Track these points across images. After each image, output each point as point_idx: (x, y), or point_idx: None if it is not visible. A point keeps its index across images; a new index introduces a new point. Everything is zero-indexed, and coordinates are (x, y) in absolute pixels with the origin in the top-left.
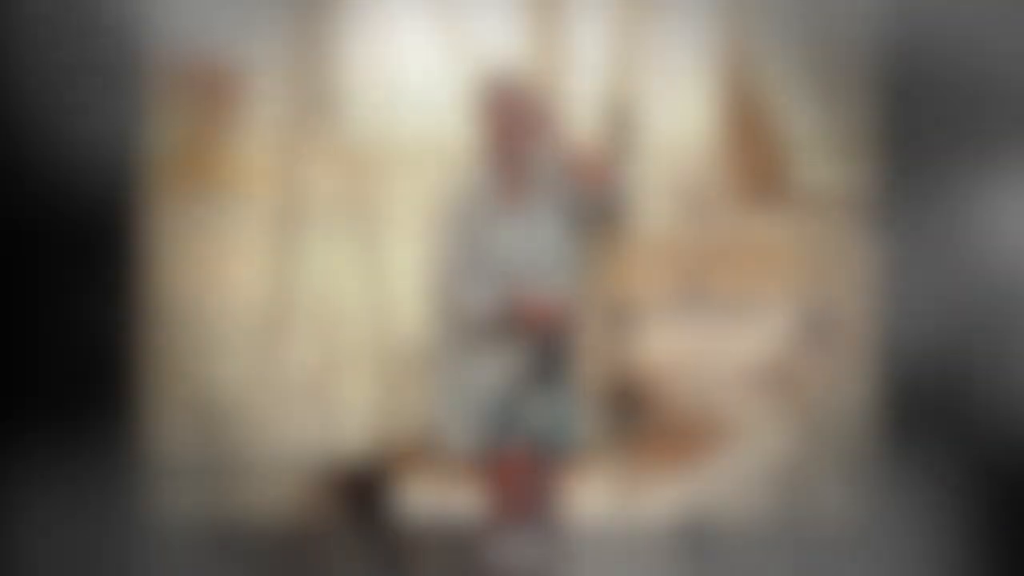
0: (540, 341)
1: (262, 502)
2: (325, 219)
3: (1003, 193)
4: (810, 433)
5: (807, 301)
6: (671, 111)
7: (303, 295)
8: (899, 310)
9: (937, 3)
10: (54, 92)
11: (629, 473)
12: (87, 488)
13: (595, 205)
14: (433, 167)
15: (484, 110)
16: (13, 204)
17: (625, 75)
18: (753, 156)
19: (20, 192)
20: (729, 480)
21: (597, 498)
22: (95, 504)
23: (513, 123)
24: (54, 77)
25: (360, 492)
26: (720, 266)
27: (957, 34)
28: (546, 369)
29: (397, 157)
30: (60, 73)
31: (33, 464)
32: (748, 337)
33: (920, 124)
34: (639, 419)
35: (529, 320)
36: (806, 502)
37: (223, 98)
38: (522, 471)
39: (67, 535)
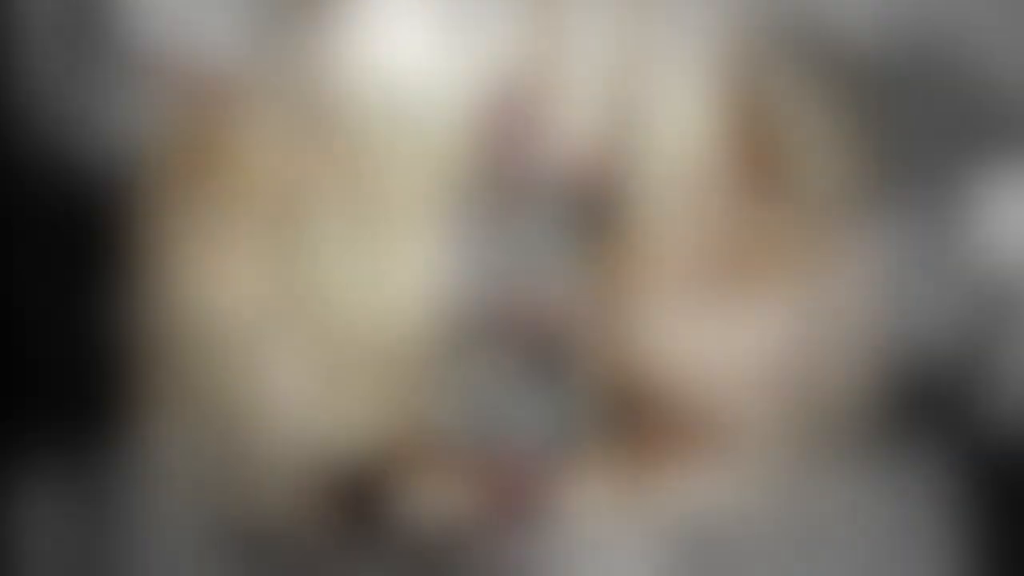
0: (539, 341)
1: (262, 502)
2: (325, 219)
3: (1005, 192)
4: (811, 433)
5: (808, 301)
6: (673, 112)
7: (303, 295)
8: (901, 309)
9: (939, 3)
10: (52, 92)
11: (628, 473)
12: (87, 488)
13: (595, 206)
14: (433, 167)
15: (484, 111)
16: (12, 204)
17: (626, 74)
18: (755, 156)
19: (19, 192)
20: (729, 480)
21: (596, 498)
22: (95, 504)
23: (513, 124)
24: (51, 77)
25: (359, 492)
26: (721, 266)
27: (959, 34)
28: (545, 369)
29: (397, 157)
30: (58, 73)
31: (33, 464)
32: (749, 337)
33: (922, 123)
34: (638, 419)
35: (528, 320)
36: (806, 502)
37: (222, 97)
38: (521, 471)
39: (67, 535)
